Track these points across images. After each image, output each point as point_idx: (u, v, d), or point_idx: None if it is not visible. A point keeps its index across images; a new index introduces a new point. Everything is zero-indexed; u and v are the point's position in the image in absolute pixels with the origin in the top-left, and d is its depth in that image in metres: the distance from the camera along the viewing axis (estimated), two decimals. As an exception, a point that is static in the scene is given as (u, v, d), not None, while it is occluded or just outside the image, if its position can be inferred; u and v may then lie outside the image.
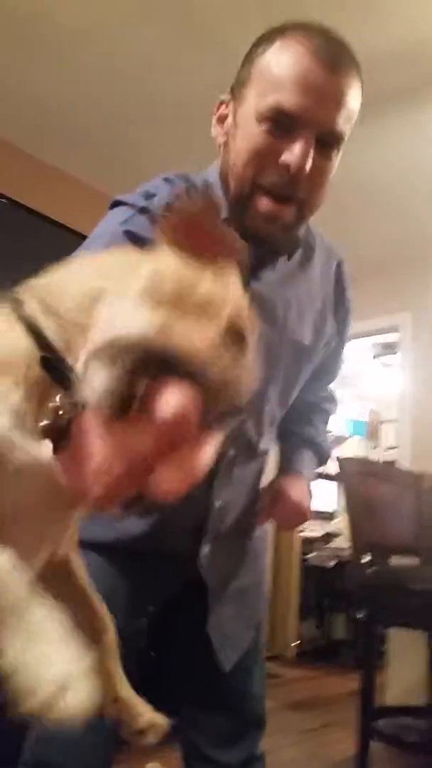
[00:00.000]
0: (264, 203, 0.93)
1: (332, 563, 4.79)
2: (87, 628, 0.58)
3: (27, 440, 0.45)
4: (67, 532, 0.57)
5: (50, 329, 0.47)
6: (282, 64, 0.89)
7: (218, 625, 1.04)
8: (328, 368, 1.21)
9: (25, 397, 0.46)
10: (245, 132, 0.92)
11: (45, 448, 0.46)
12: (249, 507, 1.09)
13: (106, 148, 2.99)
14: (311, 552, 5.06)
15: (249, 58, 0.95)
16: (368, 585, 2.15)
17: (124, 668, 0.61)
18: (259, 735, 1.14)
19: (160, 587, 1.03)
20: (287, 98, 0.88)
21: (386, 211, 3.29)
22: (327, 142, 0.91)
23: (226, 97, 1.00)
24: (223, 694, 1.09)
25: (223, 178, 0.99)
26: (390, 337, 4.38)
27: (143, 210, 0.91)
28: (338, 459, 2.30)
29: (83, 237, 0.93)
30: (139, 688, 0.59)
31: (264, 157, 0.91)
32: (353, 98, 0.91)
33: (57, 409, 0.44)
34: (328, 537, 5.43)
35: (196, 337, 0.45)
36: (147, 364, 0.43)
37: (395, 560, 3.01)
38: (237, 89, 0.96)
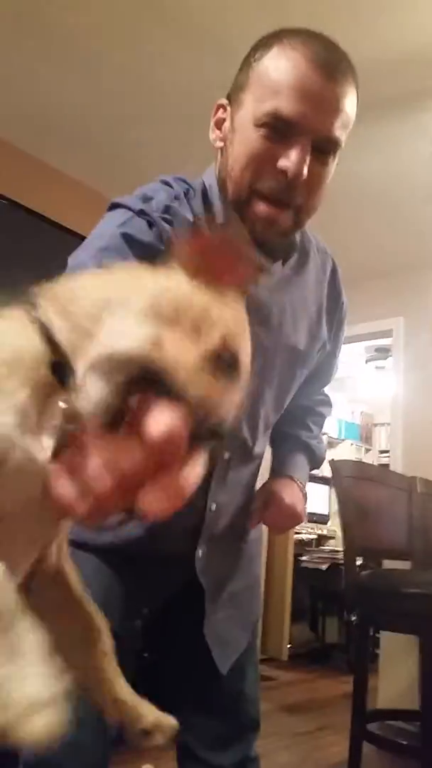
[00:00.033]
0: (261, 208, 0.93)
1: (326, 566, 4.79)
2: (81, 634, 0.58)
3: (28, 440, 0.46)
4: (56, 537, 0.57)
5: (62, 334, 0.48)
6: (279, 70, 0.90)
7: (214, 628, 1.04)
8: (323, 372, 1.22)
9: (30, 398, 0.47)
10: (243, 137, 0.93)
11: (44, 451, 0.46)
12: (244, 510, 1.09)
13: (106, 149, 2.98)
14: (305, 554, 5.06)
15: (247, 63, 0.96)
16: (362, 588, 2.16)
17: (121, 670, 0.61)
18: (254, 737, 1.14)
19: (155, 589, 1.03)
20: (284, 104, 0.88)
21: (380, 217, 3.30)
22: (323, 148, 0.92)
23: (223, 101, 1.00)
24: (218, 696, 1.09)
25: (221, 181, 0.99)
26: (383, 341, 4.41)
27: (141, 213, 0.91)
28: (331, 462, 2.30)
29: (82, 238, 0.93)
30: (136, 690, 0.59)
31: (261, 162, 0.92)
32: (350, 105, 0.92)
33: (68, 412, 0.45)
34: (322, 539, 5.44)
35: (181, 356, 0.45)
36: (139, 380, 0.44)
37: (387, 564, 3.01)
38: (234, 94, 0.97)
